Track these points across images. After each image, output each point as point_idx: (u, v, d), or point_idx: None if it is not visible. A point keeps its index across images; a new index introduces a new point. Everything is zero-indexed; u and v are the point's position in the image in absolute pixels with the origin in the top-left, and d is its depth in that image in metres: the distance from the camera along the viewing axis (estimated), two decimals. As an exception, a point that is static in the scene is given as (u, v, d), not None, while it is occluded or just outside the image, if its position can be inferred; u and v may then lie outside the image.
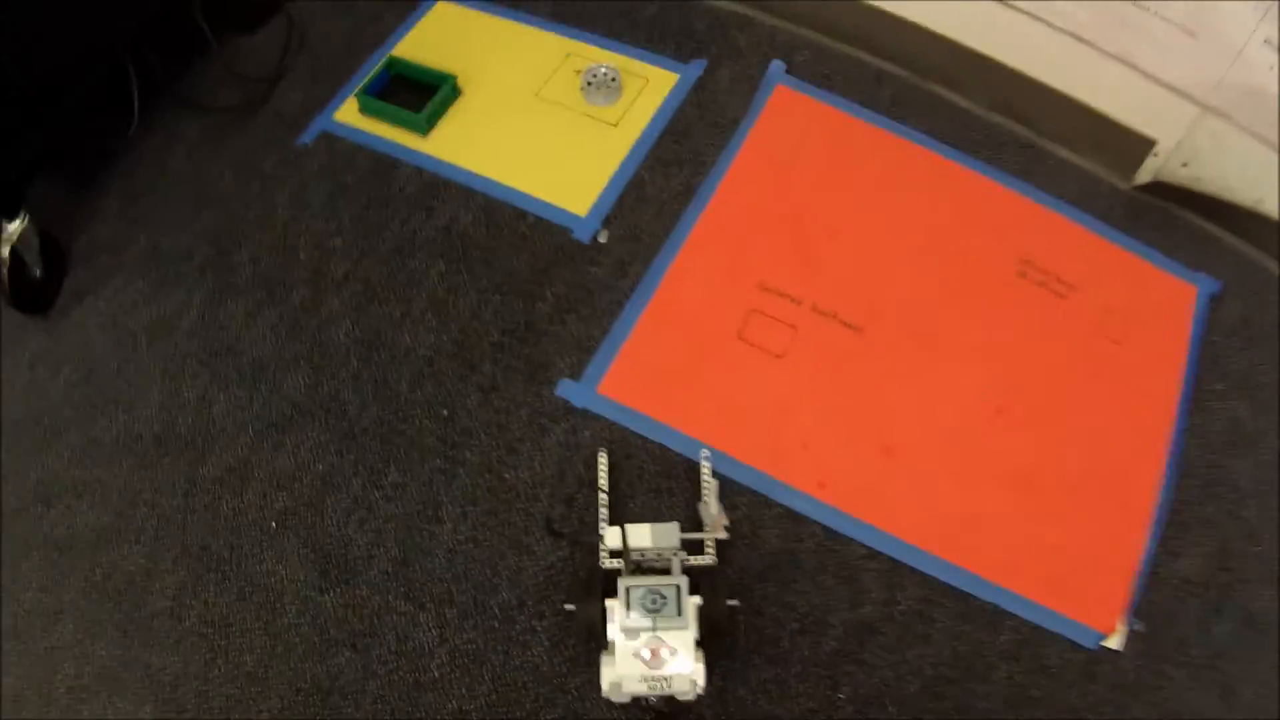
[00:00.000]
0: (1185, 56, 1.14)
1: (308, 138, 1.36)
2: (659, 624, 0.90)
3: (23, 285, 1.24)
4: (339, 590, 1.06)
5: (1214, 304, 1.25)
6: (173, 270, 1.28)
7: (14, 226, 1.20)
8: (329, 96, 1.40)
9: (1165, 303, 1.25)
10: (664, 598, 0.92)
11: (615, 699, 0.94)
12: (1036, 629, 1.03)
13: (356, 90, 1.37)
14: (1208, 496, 1.13)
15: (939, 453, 1.13)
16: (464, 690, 1.00)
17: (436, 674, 1.01)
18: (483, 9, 1.47)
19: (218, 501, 1.12)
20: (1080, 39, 1.21)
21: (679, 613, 0.90)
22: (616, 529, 0.96)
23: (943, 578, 1.05)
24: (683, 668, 0.89)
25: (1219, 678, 1.01)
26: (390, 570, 1.06)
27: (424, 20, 1.46)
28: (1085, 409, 1.16)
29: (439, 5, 1.47)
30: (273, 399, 1.17)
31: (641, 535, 0.96)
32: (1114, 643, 1.01)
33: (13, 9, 1.08)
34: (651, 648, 0.90)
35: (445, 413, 1.15)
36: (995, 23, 1.26)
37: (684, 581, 0.92)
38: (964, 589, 1.04)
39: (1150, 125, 1.27)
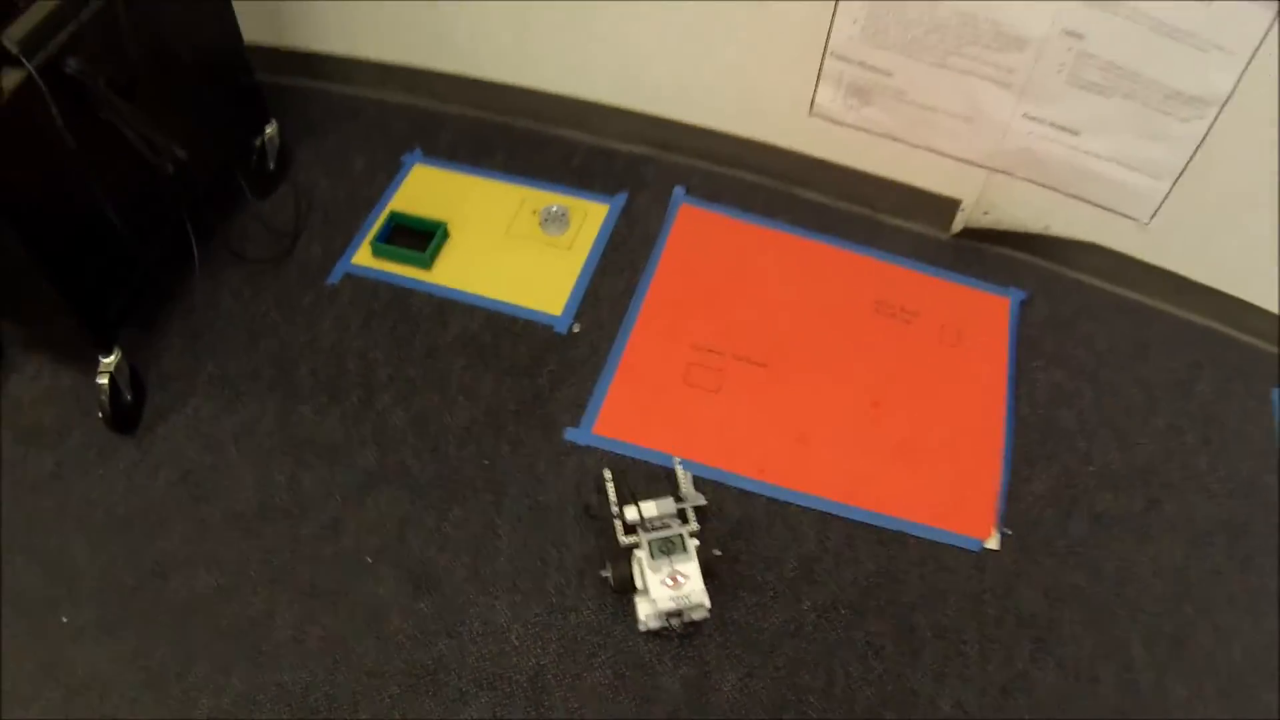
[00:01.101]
0: (968, 137, 1.82)
1: (334, 279, 1.85)
2: (674, 560, 1.41)
3: (118, 409, 1.63)
4: (430, 596, 1.49)
5: (1025, 307, 1.93)
6: (243, 388, 1.71)
7: (112, 359, 1.59)
8: (344, 245, 1.90)
9: (986, 313, 1.92)
10: (673, 543, 1.43)
11: (651, 625, 1.43)
12: (934, 543, 1.60)
13: (369, 239, 1.88)
14: (1045, 438, 1.76)
15: (837, 436, 1.71)
16: (539, 650, 1.45)
17: (516, 642, 1.46)
18: (452, 169, 2.03)
19: (320, 550, 1.53)
20: (894, 138, 1.88)
21: (685, 550, 1.42)
22: (633, 506, 1.47)
23: (857, 518, 1.61)
24: (696, 586, 1.40)
25: (1081, 561, 1.61)
26: (466, 575, 1.51)
27: (408, 180, 2.00)
28: (938, 393, 1.79)
29: (417, 168, 2.02)
30: (351, 471, 1.61)
31: (649, 507, 1.48)
32: (992, 544, 1.60)
33: (120, 182, 1.52)
34: (672, 576, 1.40)
35: (486, 463, 1.63)
36: (833, 137, 1.92)
37: (685, 530, 1.44)
38: (874, 524, 1.61)
39: (954, 189, 1.95)
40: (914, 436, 1.73)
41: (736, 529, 1.59)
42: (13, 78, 1.24)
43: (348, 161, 2.04)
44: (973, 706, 1.45)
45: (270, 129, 1.88)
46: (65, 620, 1.45)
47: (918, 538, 1.61)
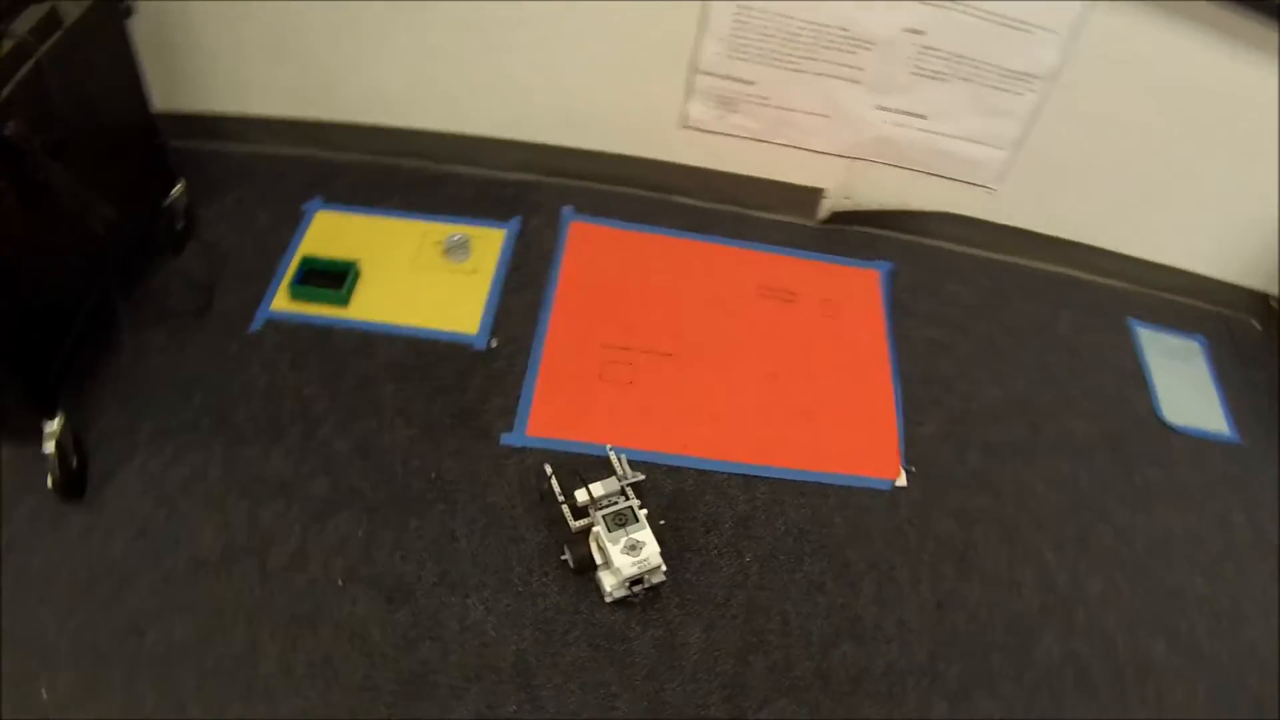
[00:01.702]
0: (828, 132, 2.10)
1: (256, 326, 1.94)
2: (629, 530, 1.59)
3: (67, 475, 1.67)
4: (405, 606, 1.61)
5: (893, 277, 2.23)
6: (185, 438, 1.77)
7: (56, 424, 1.64)
8: (261, 293, 1.99)
9: (859, 286, 2.21)
10: (625, 515, 1.61)
11: (617, 595, 1.61)
12: (850, 489, 1.86)
13: (285, 284, 1.98)
14: (930, 386, 2.05)
15: (746, 408, 1.94)
16: (516, 637, 1.59)
17: (494, 634, 1.60)
18: (353, 211, 2.16)
19: (290, 580, 1.62)
20: (760, 140, 2.15)
21: (636, 519, 1.61)
22: (583, 489, 1.65)
23: (778, 476, 1.85)
24: (653, 549, 1.59)
25: (982, 485, 1.91)
26: (435, 581, 1.64)
27: (312, 226, 2.11)
28: (828, 360, 2.05)
29: (319, 215, 2.14)
30: (306, 502, 1.71)
31: (597, 487, 1.66)
32: (901, 481, 1.87)
33: (52, 243, 1.59)
34: (630, 544, 1.58)
35: (434, 475, 1.77)
36: (705, 145, 2.18)
37: (635, 503, 1.62)
38: (794, 479, 1.85)
39: (818, 179, 2.24)
40: (814, 400, 1.98)
41: (673, 501, 1.79)
42: None
43: (251, 215, 2.13)
44: (915, 623, 1.70)
45: (177, 189, 1.97)
46: (46, 694, 1.48)
47: (835, 485, 1.86)
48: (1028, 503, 1.91)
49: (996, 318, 2.22)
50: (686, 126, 2.12)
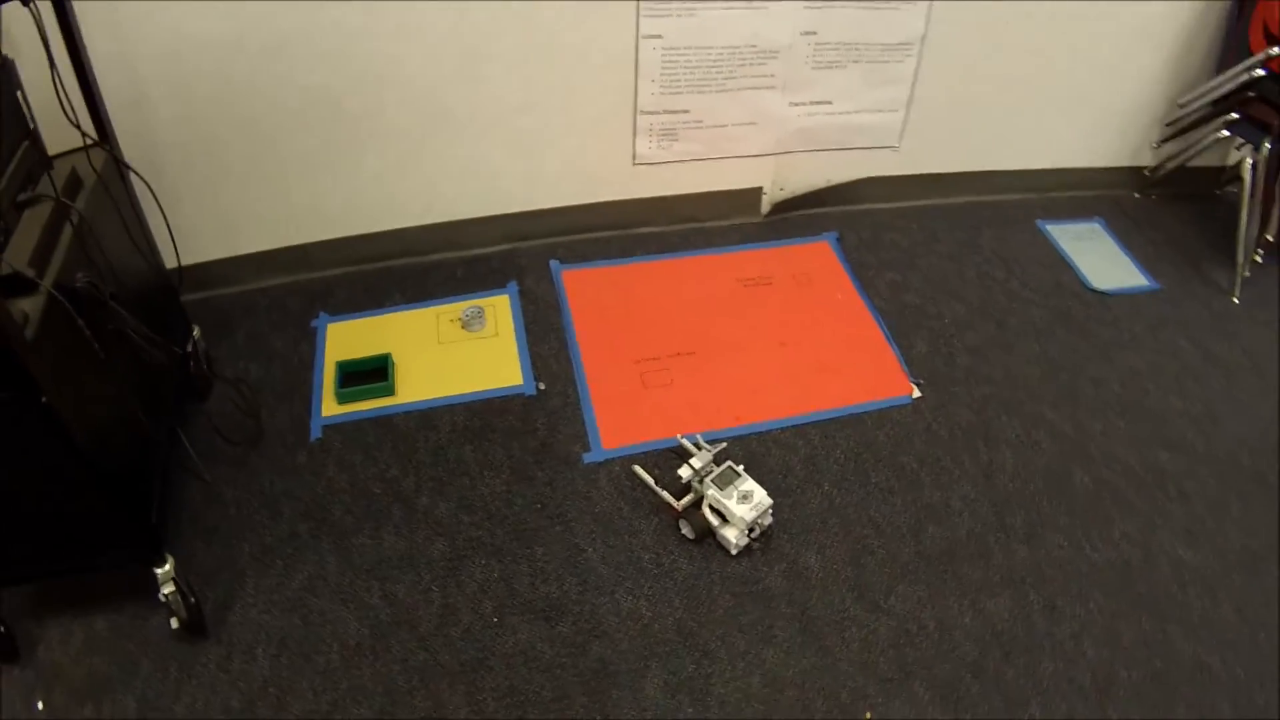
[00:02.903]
0: (756, 137, 2.48)
1: (316, 435, 2.07)
2: (737, 485, 1.83)
3: (191, 612, 1.73)
4: (563, 619, 1.78)
5: (840, 242, 2.62)
6: (289, 550, 1.88)
7: (168, 565, 1.71)
8: (306, 407, 2.13)
9: (818, 257, 2.58)
10: (727, 475, 1.85)
11: (740, 544, 1.84)
12: (879, 411, 2.20)
13: (329, 392, 2.13)
14: (905, 316, 2.43)
15: (771, 377, 2.25)
16: (669, 610, 1.80)
17: (649, 614, 1.79)
18: (360, 317, 2.34)
19: (448, 636, 1.75)
20: (701, 159, 2.51)
21: (739, 475, 1.86)
22: (685, 466, 1.88)
23: (819, 420, 2.15)
24: (761, 493, 1.84)
25: (978, 379, 2.29)
26: (579, 590, 1.82)
27: (329, 338, 2.27)
28: (819, 320, 2.40)
29: (330, 327, 2.30)
30: (433, 565, 1.85)
31: (695, 461, 1.91)
32: (916, 394, 2.22)
33: (124, 401, 1.70)
34: (742, 495, 1.82)
35: (539, 506, 1.96)
36: (656, 176, 2.52)
37: (730, 463, 1.87)
38: (835, 417, 2.17)
39: (755, 180, 2.62)
40: (822, 354, 2.31)
41: (747, 461, 2.05)
42: (35, 302, 1.40)
43: (265, 344, 2.28)
44: (973, 494, 2.03)
45: (195, 333, 2.09)
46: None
47: (867, 412, 2.19)
48: (1018, 380, 2.30)
49: (933, 251, 2.66)
50: (638, 164, 2.44)
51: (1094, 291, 2.57)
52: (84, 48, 1.66)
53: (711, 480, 1.87)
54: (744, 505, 1.83)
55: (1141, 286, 2.61)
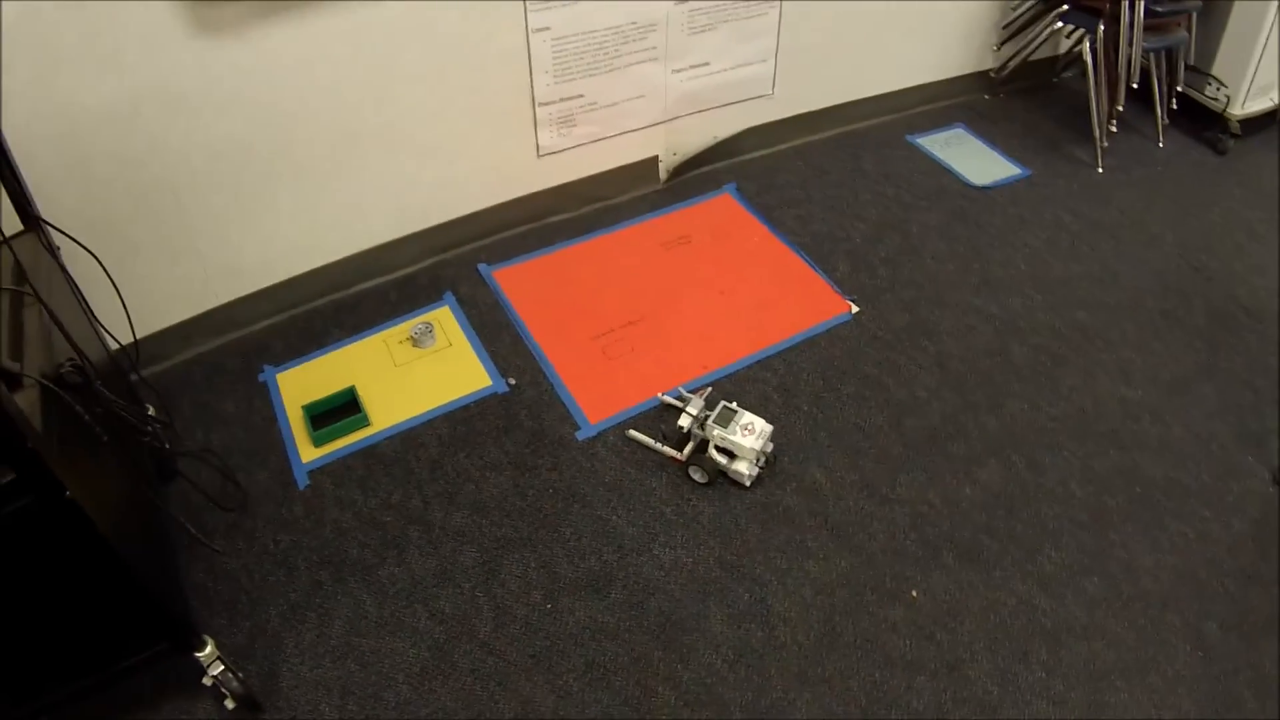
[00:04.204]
0: (646, 109, 2.57)
1: (304, 483, 2.00)
2: (738, 420, 1.91)
3: (243, 685, 1.65)
4: (612, 587, 1.81)
5: (740, 192, 2.75)
6: (319, 600, 1.81)
7: (210, 647, 1.63)
8: (284, 459, 2.05)
9: (724, 210, 2.71)
10: (726, 414, 1.93)
11: (753, 474, 1.93)
12: (827, 332, 2.33)
13: (302, 438, 2.05)
14: (820, 244, 2.59)
15: (721, 324, 2.35)
16: (707, 551, 1.87)
17: (690, 559, 1.85)
18: (306, 360, 2.26)
19: (509, 634, 1.75)
20: (599, 139, 2.56)
21: (736, 411, 1.95)
22: (686, 415, 1.94)
23: (776, 351, 2.27)
24: (761, 422, 1.93)
25: (903, 282, 2.47)
26: (617, 557, 1.86)
27: (282, 388, 2.18)
28: (745, 265, 2.52)
29: (279, 376, 2.21)
30: (468, 573, 1.84)
31: (691, 409, 1.98)
32: (854, 309, 2.36)
33: (133, 485, 1.61)
34: (745, 428, 1.90)
35: (551, 491, 1.97)
36: (560, 164, 2.56)
37: (723, 402, 1.95)
38: (788, 346, 2.29)
39: (650, 150, 2.71)
40: (758, 293, 2.44)
41: (728, 398, 2.13)
42: (27, 396, 1.30)
43: (217, 411, 2.16)
44: (934, 382, 2.22)
45: (152, 413, 1.97)
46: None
47: (817, 334, 2.33)
48: (936, 277, 2.50)
49: (825, 182, 2.83)
50: (543, 155, 2.48)
51: (976, 188, 2.82)
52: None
53: (713, 422, 1.94)
54: (750, 437, 1.91)
55: (1015, 175, 2.88)
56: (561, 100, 2.40)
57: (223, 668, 1.61)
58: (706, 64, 2.55)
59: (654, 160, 2.70)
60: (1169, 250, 2.67)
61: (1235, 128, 3.02)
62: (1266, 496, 2.03)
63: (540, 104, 2.38)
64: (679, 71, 2.52)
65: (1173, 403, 2.22)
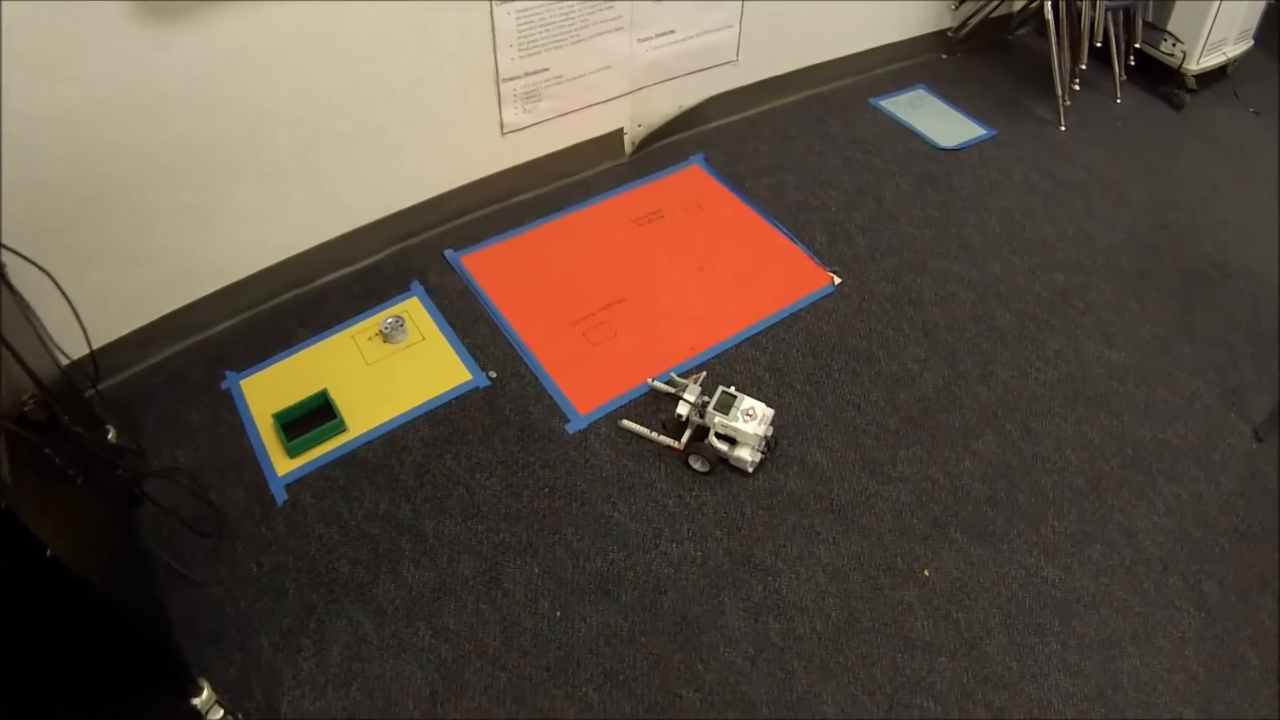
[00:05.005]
0: (612, 81, 2.44)
1: (281, 499, 1.86)
2: (738, 405, 1.84)
3: None
4: (622, 589, 1.73)
5: (709, 162, 2.65)
6: (313, 625, 1.68)
7: (207, 690, 1.51)
8: (258, 473, 1.90)
9: (694, 181, 2.61)
10: (725, 400, 1.85)
11: (755, 460, 1.86)
12: (811, 306, 2.27)
13: (276, 449, 1.91)
14: (796, 214, 2.52)
15: (703, 301, 2.27)
16: (713, 543, 1.80)
17: (699, 553, 1.79)
18: (271, 363, 2.10)
19: (520, 647, 1.65)
20: (564, 114, 2.43)
21: (735, 396, 1.87)
22: (684, 403, 1.86)
23: (764, 326, 2.21)
24: (762, 406, 1.86)
25: (884, 250, 2.42)
26: (624, 556, 1.78)
27: (247, 395, 2.02)
28: (722, 238, 2.44)
29: (243, 383, 2.05)
30: (467, 586, 1.73)
31: (688, 396, 1.89)
32: (837, 281, 2.30)
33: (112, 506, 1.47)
34: (746, 413, 1.83)
35: (546, 489, 1.87)
36: (524, 141, 2.42)
37: (721, 387, 1.88)
38: (774, 322, 2.22)
39: (615, 123, 2.59)
40: (738, 267, 2.36)
41: (720, 380, 2.07)
42: None
43: (181, 423, 1.99)
44: (924, 354, 2.17)
45: (111, 434, 1.80)
46: None
47: (802, 309, 2.26)
48: (914, 245, 2.46)
49: (793, 149, 2.75)
50: (507, 132, 2.33)
51: (944, 150, 2.77)
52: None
53: (713, 409, 1.86)
54: (752, 422, 1.84)
55: (981, 136, 2.84)
56: (526, 75, 2.25)
57: (223, 712, 1.49)
58: (672, 31, 2.42)
59: (619, 133, 2.57)
60: (1137, 208, 2.67)
61: (1191, 83, 3.03)
62: (1250, 453, 2.05)
63: (505, 79, 2.22)
64: (645, 40, 2.39)
65: (1155, 364, 2.23)
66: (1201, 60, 2.99)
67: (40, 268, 1.42)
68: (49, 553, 1.12)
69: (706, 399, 1.91)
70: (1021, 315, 2.30)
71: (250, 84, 1.90)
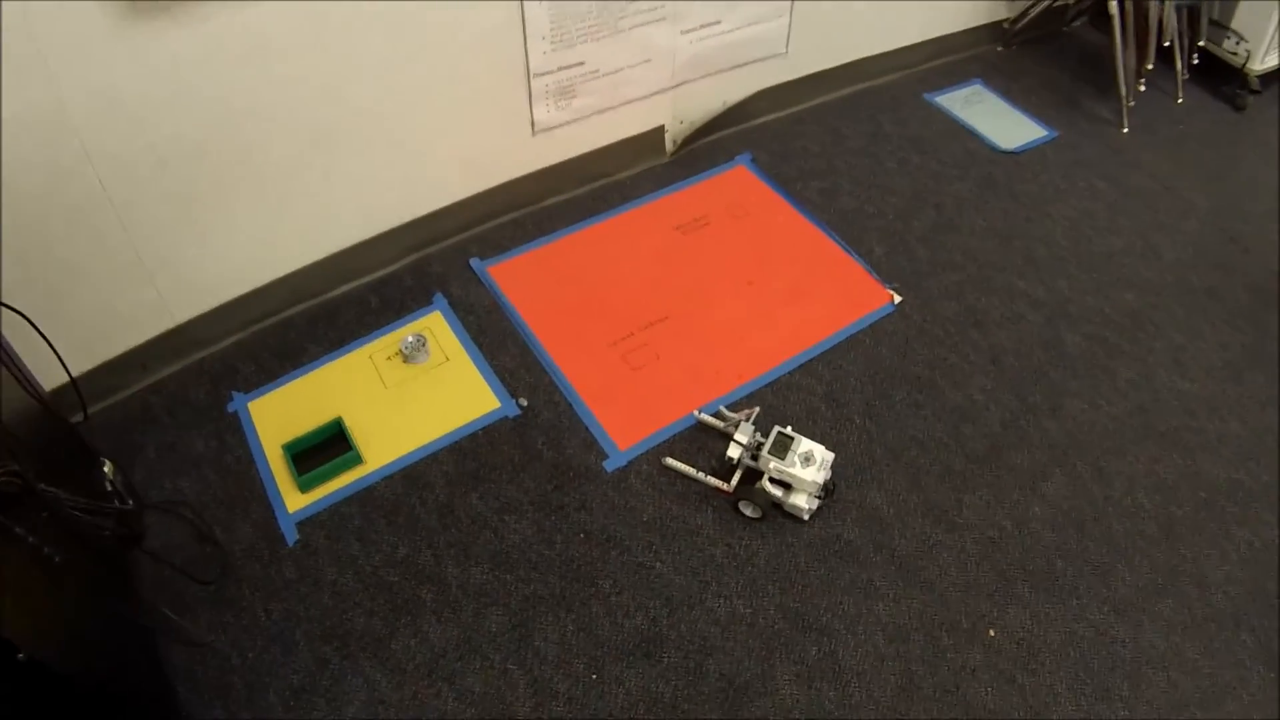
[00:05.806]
0: (652, 75, 2.24)
1: (292, 538, 1.69)
2: (794, 449, 1.67)
3: None
4: (664, 650, 1.57)
5: (755, 162, 2.45)
6: (326, 681, 1.52)
7: None
8: (267, 509, 1.73)
9: (741, 183, 2.41)
10: (781, 441, 1.67)
11: (812, 507, 1.69)
12: (871, 327, 2.08)
13: (286, 484, 1.74)
14: (850, 222, 2.32)
15: (753, 320, 2.08)
16: (766, 600, 1.63)
17: (749, 610, 1.61)
18: (282, 383, 1.92)
19: (551, 710, 1.50)
20: (601, 111, 2.22)
21: (793, 438, 1.69)
22: (736, 445, 1.68)
23: (818, 352, 2.01)
24: (821, 450, 1.68)
25: (943, 264, 2.23)
26: (667, 613, 1.61)
27: (255, 420, 1.85)
28: (770, 247, 2.24)
29: (251, 405, 1.87)
30: (496, 641, 1.57)
31: (740, 437, 1.72)
32: (897, 299, 2.11)
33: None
34: (804, 458, 1.65)
35: (582, 535, 1.70)
36: (556, 141, 2.22)
37: (778, 427, 1.70)
38: (831, 345, 2.03)
39: (655, 120, 2.38)
40: (790, 282, 2.16)
41: (772, 412, 1.90)
42: None
43: (186, 451, 1.82)
44: (990, 384, 2.00)
45: (107, 468, 1.63)
46: None
47: (860, 330, 2.07)
48: (978, 257, 2.26)
49: (845, 149, 2.54)
50: (537, 132, 2.13)
51: (1004, 152, 2.56)
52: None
53: (768, 452, 1.69)
54: (810, 468, 1.66)
55: (1042, 138, 2.63)
56: (560, 69, 2.04)
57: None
58: (718, 22, 2.20)
59: (660, 130, 2.36)
60: (1204, 219, 2.46)
61: (1255, 83, 2.80)
62: (1334, 496, 1.88)
63: (535, 75, 2.02)
64: (689, 32, 2.18)
65: (1227, 394, 2.04)
66: (1265, 60, 2.77)
67: (15, 310, 1.23)
68: (20, 656, 0.96)
69: (761, 439, 1.73)
70: (1091, 339, 2.11)
71: (248, 87, 1.70)
